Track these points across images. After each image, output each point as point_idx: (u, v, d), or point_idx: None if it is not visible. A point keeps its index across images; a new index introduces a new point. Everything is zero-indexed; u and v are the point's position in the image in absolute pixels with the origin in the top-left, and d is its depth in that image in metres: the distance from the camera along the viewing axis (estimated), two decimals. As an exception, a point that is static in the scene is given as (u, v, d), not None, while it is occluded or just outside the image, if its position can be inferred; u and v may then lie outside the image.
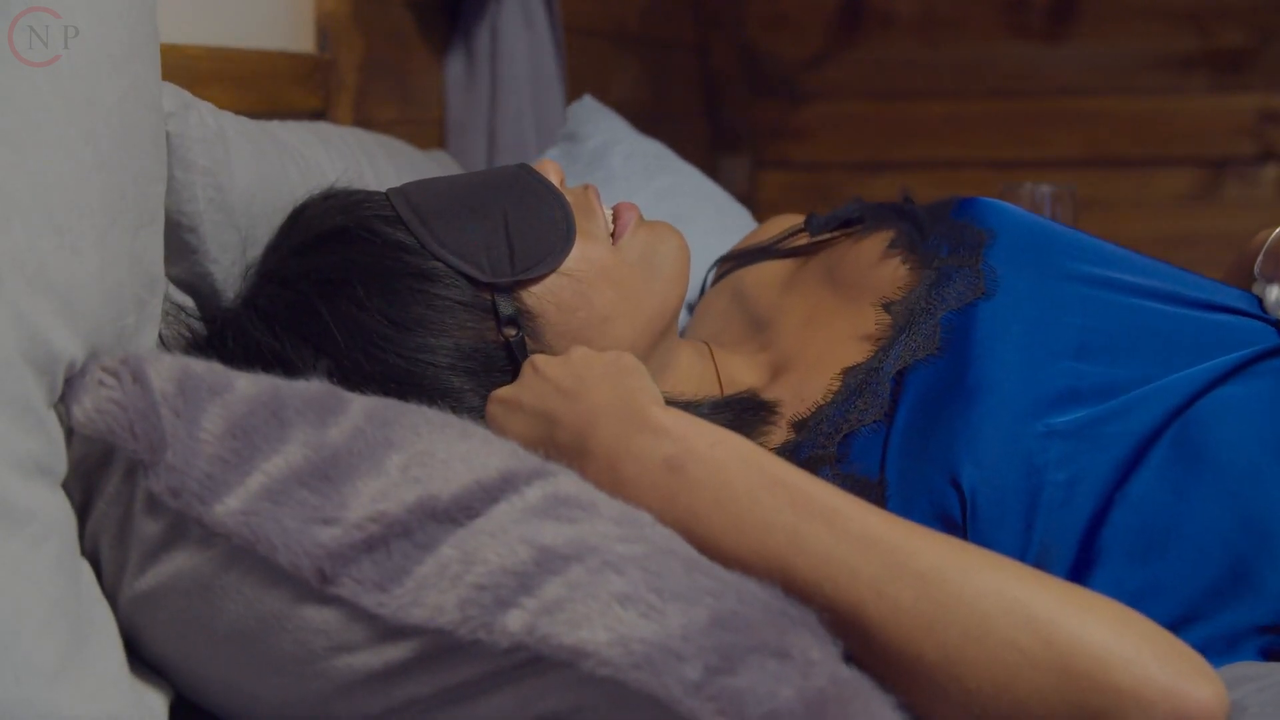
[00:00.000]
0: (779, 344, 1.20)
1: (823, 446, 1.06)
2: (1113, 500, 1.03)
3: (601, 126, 1.99)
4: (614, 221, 1.13)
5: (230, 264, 1.13)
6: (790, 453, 1.07)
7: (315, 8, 1.64)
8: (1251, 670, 0.98)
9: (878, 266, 1.19)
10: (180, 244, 1.10)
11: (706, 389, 1.16)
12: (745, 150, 3.24)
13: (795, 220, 1.37)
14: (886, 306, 1.14)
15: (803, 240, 1.31)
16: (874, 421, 1.06)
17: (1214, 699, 0.77)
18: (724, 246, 1.69)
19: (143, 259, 0.91)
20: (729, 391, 1.16)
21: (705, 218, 1.82)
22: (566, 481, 0.85)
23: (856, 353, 1.12)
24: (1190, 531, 1.03)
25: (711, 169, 2.96)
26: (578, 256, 1.09)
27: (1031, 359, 1.08)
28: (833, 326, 1.17)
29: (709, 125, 3.22)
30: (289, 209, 1.13)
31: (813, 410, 1.10)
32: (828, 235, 1.29)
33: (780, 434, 1.10)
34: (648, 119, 2.17)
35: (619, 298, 1.10)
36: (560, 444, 0.93)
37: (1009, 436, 1.03)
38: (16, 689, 0.72)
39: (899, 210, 1.26)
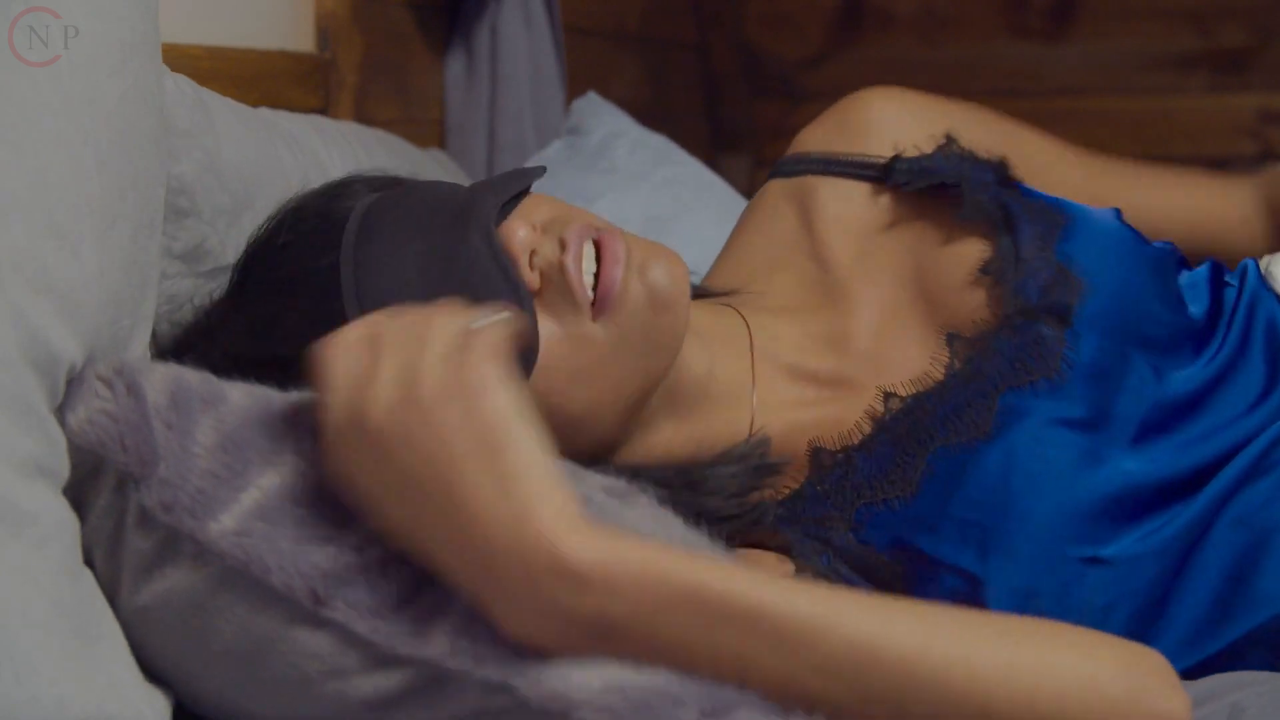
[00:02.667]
0: (846, 349, 1.11)
1: (839, 508, 1.02)
2: (1150, 629, 1.01)
3: (605, 120, 1.99)
4: (598, 265, 0.97)
5: (226, 227, 1.15)
6: (806, 499, 1.03)
7: (315, 8, 1.64)
8: (1250, 676, 0.98)
9: (964, 291, 1.10)
10: (174, 209, 1.10)
11: (734, 360, 1.07)
12: (745, 149, 3.24)
13: (869, 125, 1.19)
14: (950, 339, 1.07)
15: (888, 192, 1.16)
16: (897, 498, 1.02)
17: (1180, 711, 0.76)
18: (725, 238, 1.69)
19: (140, 261, 0.91)
20: (764, 369, 1.08)
21: (708, 208, 1.83)
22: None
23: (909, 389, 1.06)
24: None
25: (712, 168, 2.95)
26: (542, 367, 0.95)
27: (1085, 458, 1.02)
28: (903, 349, 1.09)
29: (709, 124, 3.21)
30: (279, 179, 1.14)
31: (841, 448, 1.05)
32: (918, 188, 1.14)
33: (800, 463, 1.06)
34: (648, 119, 2.16)
35: (598, 390, 0.98)
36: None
37: (1047, 563, 0.99)
38: (18, 690, 0.72)
39: (1000, 182, 1.13)
